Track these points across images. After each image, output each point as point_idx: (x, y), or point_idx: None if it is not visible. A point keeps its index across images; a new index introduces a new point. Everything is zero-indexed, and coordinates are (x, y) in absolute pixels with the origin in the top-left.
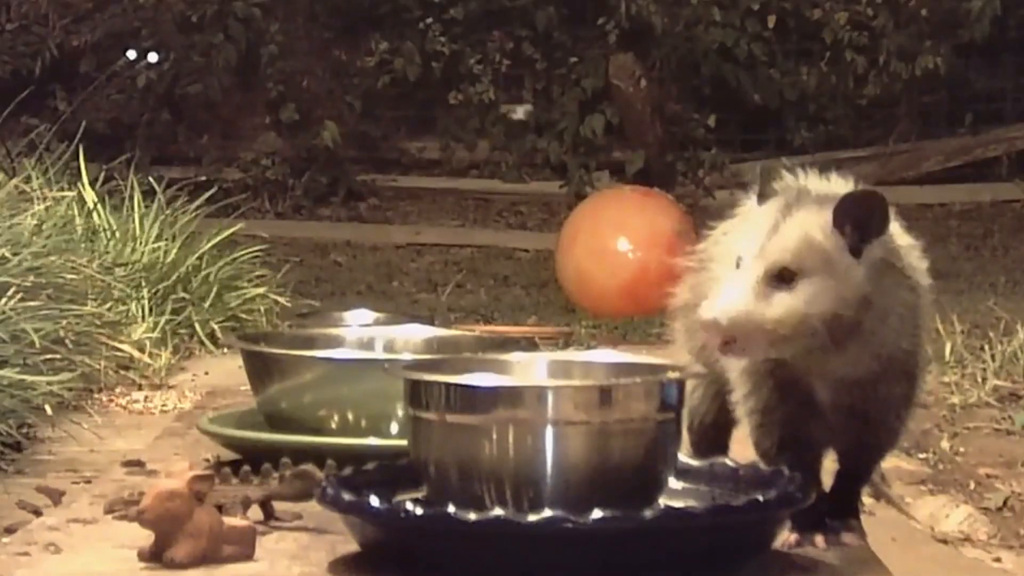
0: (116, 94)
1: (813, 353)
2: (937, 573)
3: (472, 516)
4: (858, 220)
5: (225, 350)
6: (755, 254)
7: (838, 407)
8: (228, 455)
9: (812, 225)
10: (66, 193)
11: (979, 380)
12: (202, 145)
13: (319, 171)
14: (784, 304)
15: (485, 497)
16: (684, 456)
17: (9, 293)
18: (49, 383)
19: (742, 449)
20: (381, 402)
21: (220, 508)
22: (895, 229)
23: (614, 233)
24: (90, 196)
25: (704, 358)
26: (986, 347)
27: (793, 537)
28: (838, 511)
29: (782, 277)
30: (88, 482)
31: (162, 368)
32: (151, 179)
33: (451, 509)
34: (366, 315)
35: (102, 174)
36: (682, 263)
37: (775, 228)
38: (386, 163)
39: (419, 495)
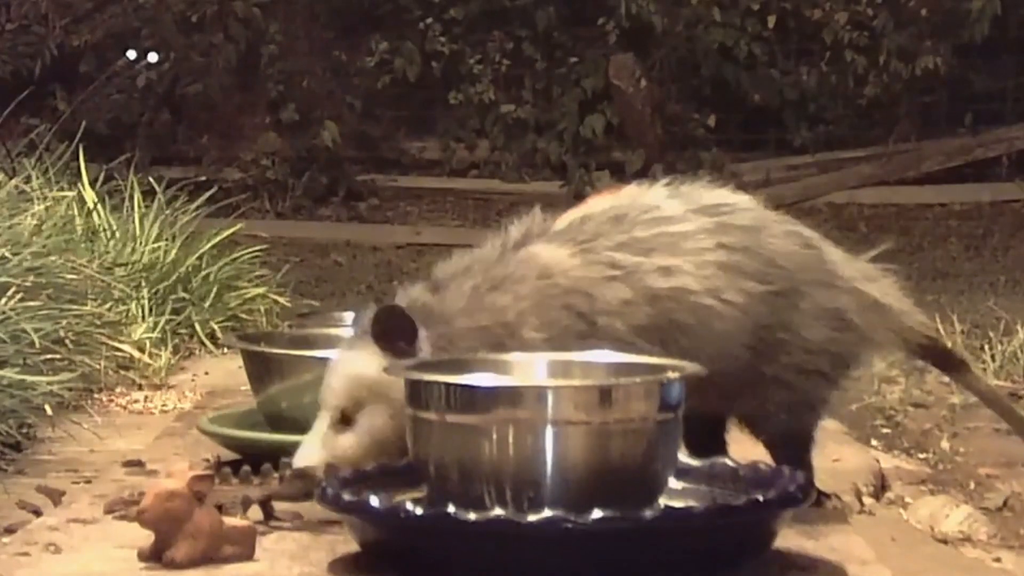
0: (116, 94)
1: None
2: (937, 573)
3: (472, 516)
4: (395, 335)
5: (225, 350)
6: (323, 400)
7: None
8: (228, 455)
9: (361, 360)
10: (66, 193)
11: None
12: (202, 145)
13: (319, 171)
14: (348, 443)
15: (485, 497)
16: (684, 456)
17: (9, 293)
18: (49, 383)
19: (742, 449)
20: None
21: (220, 508)
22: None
23: None
24: (90, 196)
25: None
26: (986, 347)
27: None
28: None
29: (344, 419)
30: (88, 482)
31: (162, 368)
32: (151, 179)
33: (451, 509)
34: None
35: (102, 174)
36: None
37: (335, 371)
38: (386, 163)
39: (419, 495)
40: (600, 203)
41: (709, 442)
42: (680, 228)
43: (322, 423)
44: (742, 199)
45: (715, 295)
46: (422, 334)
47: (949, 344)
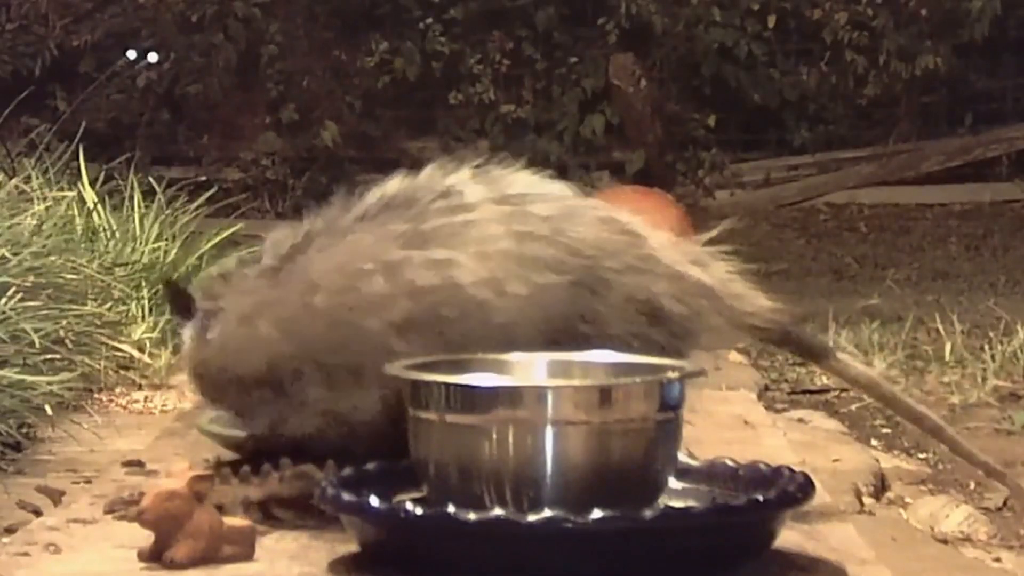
0: (116, 94)
1: None
2: (937, 573)
3: (472, 516)
4: (176, 307)
5: None
6: None
7: None
8: (228, 455)
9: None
10: (66, 193)
11: (979, 380)
12: (202, 145)
13: (319, 171)
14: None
15: (485, 497)
16: (684, 456)
17: (9, 293)
18: (49, 383)
19: (741, 449)
20: None
21: (220, 508)
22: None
23: None
24: (90, 196)
25: None
26: (986, 347)
27: None
28: None
29: None
30: (88, 482)
31: (162, 368)
32: (151, 179)
33: (451, 509)
34: None
35: (102, 174)
36: None
37: None
38: (386, 163)
39: (419, 495)
40: (394, 183)
41: None
42: (468, 217)
43: None
44: (555, 187)
45: (494, 287)
46: (205, 308)
47: (810, 331)
